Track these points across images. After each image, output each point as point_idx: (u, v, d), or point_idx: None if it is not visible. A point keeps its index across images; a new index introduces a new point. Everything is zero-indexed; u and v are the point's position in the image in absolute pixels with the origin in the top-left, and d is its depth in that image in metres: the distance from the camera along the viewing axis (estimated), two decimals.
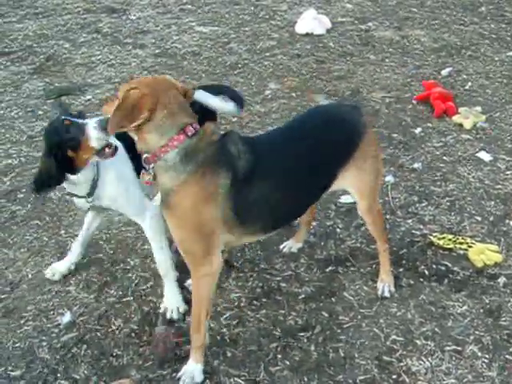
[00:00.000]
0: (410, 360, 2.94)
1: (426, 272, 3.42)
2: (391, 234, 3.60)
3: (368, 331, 3.09)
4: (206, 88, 3.37)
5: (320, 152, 2.87)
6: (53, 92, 5.46)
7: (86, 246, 3.53)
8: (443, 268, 3.44)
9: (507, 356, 2.94)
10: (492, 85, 5.30)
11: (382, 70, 5.61)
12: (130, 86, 2.59)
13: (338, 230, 3.74)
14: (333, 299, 3.28)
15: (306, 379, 2.87)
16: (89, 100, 5.33)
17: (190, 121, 2.62)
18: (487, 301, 3.23)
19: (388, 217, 3.78)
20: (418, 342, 3.02)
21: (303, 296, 3.31)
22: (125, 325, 3.17)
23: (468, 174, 4.18)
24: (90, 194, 3.06)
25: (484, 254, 3.46)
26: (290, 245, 3.59)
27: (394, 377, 2.86)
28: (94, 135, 2.82)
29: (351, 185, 3.07)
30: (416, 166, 4.26)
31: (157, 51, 6.16)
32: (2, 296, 3.39)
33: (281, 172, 2.82)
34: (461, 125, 4.71)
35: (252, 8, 7.08)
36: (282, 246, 3.60)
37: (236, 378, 2.88)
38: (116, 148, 2.91)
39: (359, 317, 3.17)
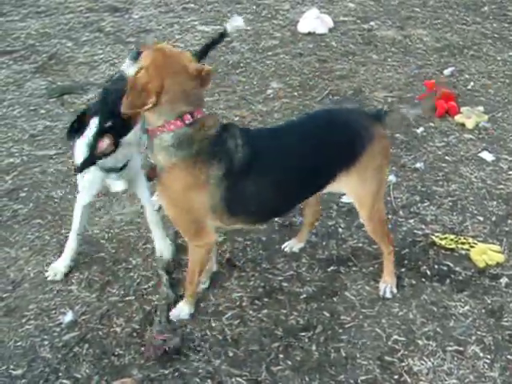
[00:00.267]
0: (411, 360, 2.94)
1: (428, 272, 3.41)
2: (393, 233, 3.59)
3: (370, 331, 3.09)
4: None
5: (319, 153, 2.89)
6: (55, 91, 5.45)
7: (80, 241, 3.53)
8: (445, 268, 3.44)
9: (509, 356, 2.94)
10: (494, 84, 5.29)
11: (384, 70, 5.60)
12: (147, 60, 2.66)
13: (340, 229, 3.74)
14: (334, 299, 3.28)
15: (307, 379, 2.87)
16: (91, 99, 5.32)
17: (190, 109, 2.68)
18: (489, 301, 3.23)
19: (390, 216, 3.77)
20: (419, 342, 3.02)
21: (305, 296, 3.30)
22: (126, 324, 3.17)
23: (470, 173, 4.18)
24: (125, 165, 3.16)
25: (486, 254, 3.46)
26: (292, 244, 3.59)
27: (396, 377, 2.86)
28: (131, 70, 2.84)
29: (352, 192, 3.09)
30: (418, 165, 4.25)
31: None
32: (4, 295, 3.39)
33: (276, 169, 2.86)
34: (463, 124, 4.71)
35: (254, 7, 7.07)
36: (283, 246, 3.60)
37: (237, 378, 2.88)
38: None
39: (361, 317, 3.17)
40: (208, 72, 2.73)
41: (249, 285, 3.38)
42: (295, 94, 5.26)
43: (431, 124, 4.73)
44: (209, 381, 2.88)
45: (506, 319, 3.13)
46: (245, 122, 4.81)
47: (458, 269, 3.43)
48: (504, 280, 3.35)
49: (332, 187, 3.05)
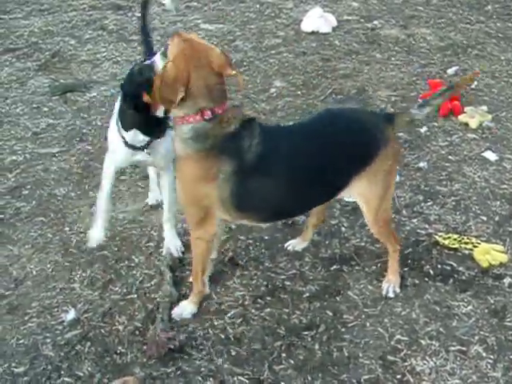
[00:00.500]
0: (414, 360, 2.93)
1: (431, 272, 3.41)
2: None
3: (372, 330, 3.09)
4: None
5: (334, 157, 2.89)
6: (58, 89, 5.45)
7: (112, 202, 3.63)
8: (448, 268, 3.43)
9: None
10: (498, 84, 5.27)
11: (387, 69, 5.59)
12: (175, 51, 2.75)
13: (343, 228, 3.73)
14: (337, 298, 3.27)
15: (309, 378, 2.87)
16: (94, 97, 5.33)
17: (210, 105, 2.73)
18: (492, 301, 3.22)
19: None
20: (422, 341, 3.02)
21: (308, 295, 3.30)
22: (129, 322, 3.17)
23: (474, 173, 4.17)
24: (145, 146, 3.22)
25: (489, 254, 3.45)
26: (295, 244, 3.58)
27: (399, 376, 2.85)
28: (158, 55, 3.00)
29: (359, 195, 3.06)
30: (421, 165, 4.25)
31: (162, 49, 6.13)
32: (7, 292, 3.40)
33: (287, 170, 2.86)
34: (466, 124, 4.69)
35: (257, 6, 7.06)
36: (286, 245, 3.59)
37: (240, 377, 2.88)
38: None
39: (363, 316, 3.17)
40: (232, 75, 2.80)
41: (251, 283, 3.37)
42: (298, 92, 5.25)
43: (435, 123, 4.72)
44: (211, 379, 2.87)
45: (509, 319, 3.12)
46: None
47: (461, 268, 3.42)
48: (507, 280, 3.34)
49: (346, 192, 3.04)
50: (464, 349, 2.98)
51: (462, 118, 4.74)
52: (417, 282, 3.35)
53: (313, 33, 6.30)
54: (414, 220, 3.76)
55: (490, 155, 4.34)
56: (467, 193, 3.99)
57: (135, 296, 3.33)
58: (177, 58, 2.71)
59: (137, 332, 3.11)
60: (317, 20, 6.35)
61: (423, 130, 4.64)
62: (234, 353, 3.00)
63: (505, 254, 3.49)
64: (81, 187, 4.19)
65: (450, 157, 4.35)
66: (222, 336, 3.08)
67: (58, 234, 3.78)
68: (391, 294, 3.25)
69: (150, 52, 3.72)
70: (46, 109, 5.18)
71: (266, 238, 3.67)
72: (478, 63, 5.62)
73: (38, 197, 4.12)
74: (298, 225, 3.75)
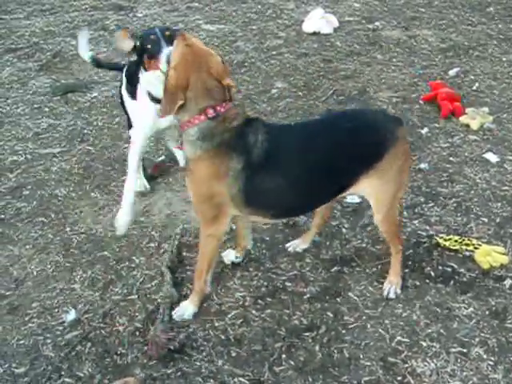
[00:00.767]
0: (415, 361, 2.92)
1: (432, 273, 3.40)
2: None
3: (373, 332, 3.08)
4: None
5: (342, 154, 2.90)
6: (59, 89, 5.46)
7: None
8: (449, 269, 3.42)
9: None
10: (499, 85, 5.27)
11: (389, 70, 5.59)
12: (177, 51, 2.85)
13: (344, 229, 3.73)
14: (338, 299, 3.26)
15: (310, 379, 2.86)
16: (95, 97, 5.33)
17: (212, 104, 2.80)
18: (493, 303, 3.22)
19: None
20: (423, 343, 3.01)
21: (308, 296, 3.29)
22: (129, 323, 3.17)
23: (475, 175, 4.16)
24: None
25: (490, 255, 3.44)
26: (296, 244, 3.58)
27: (399, 378, 2.85)
28: (162, 62, 3.23)
29: (370, 193, 3.05)
30: (422, 166, 4.24)
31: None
32: (7, 293, 3.40)
33: (295, 166, 2.90)
34: (468, 125, 4.69)
35: (259, 6, 7.07)
36: (287, 245, 3.59)
37: (240, 378, 2.87)
38: None
39: (364, 317, 3.16)
40: (228, 86, 2.87)
41: (252, 284, 3.37)
42: (300, 93, 5.25)
43: (436, 125, 4.72)
44: (211, 380, 2.87)
45: (509, 321, 3.12)
46: None
47: (462, 270, 3.41)
48: (508, 282, 3.33)
49: (353, 190, 3.04)
50: (465, 350, 2.97)
51: (463, 119, 4.74)
52: (417, 283, 3.34)
53: (314, 34, 6.31)
54: (415, 221, 3.76)
55: (491, 157, 4.34)
56: (468, 194, 3.98)
57: (136, 297, 3.32)
58: (178, 66, 2.80)
59: (137, 333, 3.11)
60: (318, 21, 6.36)
61: (424, 131, 4.64)
62: (234, 354, 2.99)
63: (506, 255, 3.48)
64: (82, 187, 4.19)
65: (451, 158, 4.34)
66: (223, 337, 3.08)
67: (59, 235, 3.78)
68: (392, 296, 3.25)
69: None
70: (46, 109, 5.18)
71: (267, 238, 3.67)
72: (479, 65, 5.62)
73: (38, 197, 4.12)
74: (298, 226, 3.74)
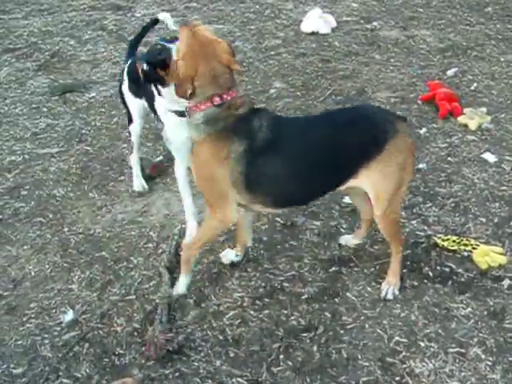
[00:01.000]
0: (413, 362, 2.92)
1: (430, 273, 3.40)
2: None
3: (371, 332, 3.08)
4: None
5: (341, 145, 2.93)
6: (57, 89, 5.46)
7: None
8: (447, 269, 3.42)
9: (511, 359, 2.92)
10: (497, 86, 5.27)
11: (387, 70, 5.59)
12: (184, 41, 2.86)
13: (342, 230, 3.72)
14: (336, 300, 3.26)
15: (308, 380, 2.86)
16: (93, 97, 5.33)
17: (218, 92, 2.86)
18: (491, 303, 3.21)
19: None
20: (421, 343, 3.01)
21: (306, 296, 3.29)
22: (127, 323, 3.16)
23: (473, 175, 4.16)
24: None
25: (488, 255, 3.44)
26: (347, 239, 3.61)
27: (397, 378, 2.85)
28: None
29: (369, 187, 3.04)
30: (421, 166, 4.24)
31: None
32: (5, 293, 3.40)
33: (296, 154, 2.94)
34: (466, 126, 4.69)
35: (257, 6, 7.07)
36: (341, 238, 3.63)
37: (238, 378, 2.87)
38: None
39: (362, 318, 3.16)
40: (237, 70, 2.95)
41: (250, 285, 3.37)
42: (298, 93, 5.25)
43: (434, 125, 4.72)
44: (209, 381, 2.87)
45: (508, 321, 3.11)
46: None
47: (460, 270, 3.41)
48: (506, 282, 3.33)
49: (353, 182, 3.04)
50: (463, 351, 2.97)
51: (461, 119, 4.74)
52: (416, 283, 3.34)
53: (312, 34, 6.31)
54: (413, 221, 3.76)
55: (490, 157, 4.34)
56: (466, 194, 3.98)
57: (134, 297, 3.32)
58: (185, 56, 2.85)
59: (135, 333, 3.11)
60: (316, 21, 6.36)
61: (422, 131, 4.64)
62: (232, 354, 2.99)
63: (504, 255, 3.48)
64: (80, 188, 4.19)
65: (449, 158, 4.34)
66: (221, 337, 3.07)
67: (57, 235, 3.78)
68: (390, 296, 3.24)
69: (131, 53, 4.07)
70: (45, 109, 5.18)
71: (265, 239, 3.66)
72: (477, 65, 5.62)
73: (36, 197, 4.12)
74: (297, 226, 3.74)
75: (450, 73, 5.48)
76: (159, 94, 3.34)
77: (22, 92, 5.45)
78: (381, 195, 3.04)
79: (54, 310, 3.27)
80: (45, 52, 6.16)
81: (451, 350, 2.97)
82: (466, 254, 3.50)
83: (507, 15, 6.62)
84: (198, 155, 2.99)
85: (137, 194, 4.07)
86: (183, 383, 2.87)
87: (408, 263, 3.45)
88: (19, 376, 2.94)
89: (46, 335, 3.13)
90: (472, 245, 3.51)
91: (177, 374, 2.90)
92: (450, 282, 3.34)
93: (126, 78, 3.82)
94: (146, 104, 3.72)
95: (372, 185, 3.03)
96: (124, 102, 3.94)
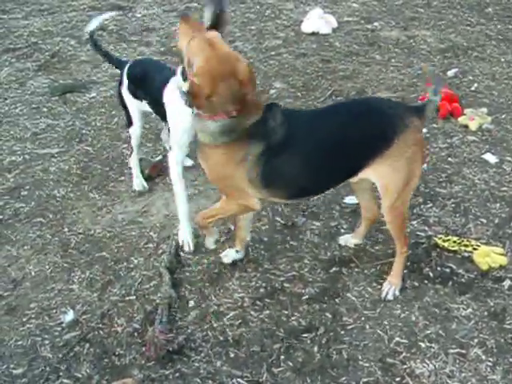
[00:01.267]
0: (413, 362, 2.92)
1: (431, 274, 3.40)
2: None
3: (372, 333, 3.08)
4: None
5: (354, 137, 2.94)
6: (57, 89, 5.45)
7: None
8: (448, 270, 3.42)
9: (511, 359, 2.92)
10: (498, 86, 5.27)
11: (387, 70, 5.59)
12: (199, 56, 2.73)
13: (343, 230, 3.72)
14: (336, 300, 3.26)
15: (308, 380, 2.86)
16: (93, 97, 5.33)
17: (235, 108, 2.78)
18: (492, 304, 3.21)
19: None
20: (421, 344, 3.01)
21: (307, 297, 3.29)
22: (128, 324, 3.16)
23: (473, 175, 4.16)
24: None
25: (489, 256, 3.44)
26: (347, 239, 3.61)
27: (398, 379, 2.84)
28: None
29: (378, 179, 3.05)
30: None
31: (162, 49, 6.15)
32: (5, 293, 3.39)
33: (312, 148, 2.93)
34: (466, 126, 4.69)
35: (258, 7, 7.07)
36: (340, 238, 3.63)
37: (239, 379, 2.87)
38: None
39: (363, 318, 3.16)
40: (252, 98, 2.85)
41: (250, 285, 3.36)
42: (298, 94, 5.25)
43: (434, 125, 4.72)
44: (210, 381, 2.86)
45: (508, 322, 3.11)
46: None
47: (460, 271, 3.41)
48: (507, 283, 3.33)
49: (363, 174, 3.05)
50: (463, 351, 2.97)
51: (461, 119, 4.74)
52: (416, 284, 3.34)
53: (313, 34, 6.31)
54: (414, 222, 3.75)
55: (490, 157, 4.34)
56: (467, 195, 3.98)
57: (134, 297, 3.32)
58: (202, 72, 2.71)
59: (135, 334, 3.11)
60: (317, 21, 6.36)
61: (423, 131, 4.62)
62: (232, 355, 2.99)
63: (504, 256, 3.47)
64: (80, 188, 4.19)
65: (449, 159, 4.34)
66: (221, 338, 3.07)
67: (57, 235, 3.78)
68: (390, 297, 3.24)
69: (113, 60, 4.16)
70: (45, 109, 5.18)
71: (265, 239, 3.66)
72: (477, 65, 5.62)
73: (36, 197, 4.12)
74: (297, 226, 3.74)
75: (450, 73, 5.48)
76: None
77: (22, 92, 5.45)
78: (389, 188, 3.05)
79: (54, 311, 3.27)
80: (45, 52, 6.16)
81: (452, 350, 2.97)
82: (466, 254, 3.49)
83: (508, 16, 6.62)
84: (211, 157, 2.96)
85: (137, 193, 4.07)
86: None
87: (408, 264, 3.44)
88: (19, 376, 2.93)
89: (47, 335, 3.13)
90: (472, 245, 3.51)
91: (177, 374, 2.90)
92: (450, 283, 3.33)
93: (125, 79, 3.79)
94: (147, 106, 3.71)
95: (381, 178, 3.04)
96: (123, 104, 3.91)
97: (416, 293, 3.29)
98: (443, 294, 3.27)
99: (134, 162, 4.08)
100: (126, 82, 3.79)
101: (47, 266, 3.55)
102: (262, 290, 3.34)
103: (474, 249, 3.49)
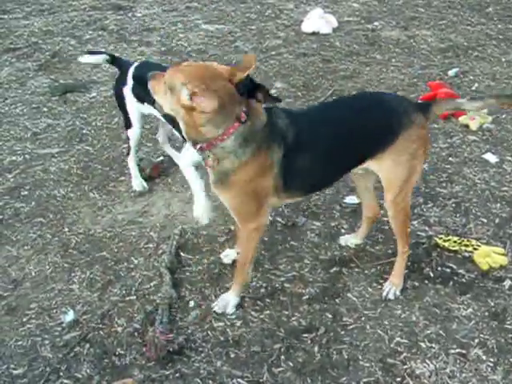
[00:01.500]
0: (414, 363, 2.92)
1: (431, 274, 3.39)
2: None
3: (372, 333, 3.08)
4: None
5: (361, 131, 2.95)
6: (58, 89, 5.45)
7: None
8: (448, 270, 3.42)
9: None
10: (498, 86, 5.27)
11: (388, 70, 5.59)
12: (178, 76, 2.66)
13: (343, 230, 3.72)
14: (337, 300, 3.26)
15: (309, 381, 2.85)
16: (94, 97, 5.32)
17: (241, 108, 2.73)
18: (492, 304, 3.21)
19: None
20: (422, 344, 3.00)
21: (307, 297, 3.29)
22: (128, 324, 3.16)
23: (474, 175, 4.16)
24: None
25: (489, 256, 3.44)
26: (348, 238, 3.61)
27: (398, 379, 2.84)
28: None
29: (382, 172, 3.09)
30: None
31: (162, 49, 6.15)
32: (5, 294, 3.39)
33: (324, 143, 2.94)
34: (467, 126, 4.69)
35: (258, 6, 7.07)
36: (340, 238, 3.63)
37: (239, 379, 2.87)
38: None
39: (363, 318, 3.16)
40: (241, 80, 2.76)
41: (251, 285, 3.36)
42: (299, 93, 5.25)
43: (435, 125, 4.72)
44: (210, 382, 2.86)
45: (509, 322, 3.11)
46: None
47: (461, 271, 3.41)
48: (507, 283, 3.32)
49: (367, 164, 3.07)
50: (464, 352, 2.96)
51: (462, 119, 4.74)
52: (416, 284, 3.34)
53: (313, 34, 6.31)
54: (414, 222, 3.75)
55: (491, 157, 4.34)
56: (467, 195, 3.98)
57: (134, 298, 3.31)
58: (190, 78, 2.64)
59: (136, 334, 3.10)
60: (317, 21, 6.37)
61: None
62: (233, 355, 2.98)
63: (505, 256, 3.47)
64: (80, 188, 4.19)
65: (450, 159, 4.34)
66: (222, 338, 3.07)
67: (57, 235, 3.77)
68: (391, 297, 3.24)
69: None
70: (45, 109, 5.18)
71: (266, 239, 3.65)
72: (478, 65, 5.61)
73: (37, 197, 4.11)
74: (297, 226, 3.74)
75: (450, 73, 5.48)
76: None
77: (23, 92, 5.45)
78: (392, 181, 3.08)
79: (54, 311, 3.27)
80: (45, 52, 6.16)
81: (452, 350, 2.97)
82: (467, 254, 3.49)
83: (508, 15, 6.62)
84: (237, 180, 2.83)
85: (137, 193, 4.07)
86: None
87: (409, 264, 3.44)
88: (19, 376, 2.93)
89: (47, 336, 3.13)
90: (473, 245, 3.51)
91: (177, 374, 2.89)
92: (451, 283, 3.33)
93: (130, 81, 3.73)
94: (151, 109, 3.66)
95: (384, 171, 3.07)
96: (122, 106, 3.86)
97: (416, 293, 3.28)
98: (444, 294, 3.27)
99: (132, 162, 4.07)
100: (130, 83, 3.74)
101: (47, 266, 3.54)
102: (262, 290, 3.33)
103: (475, 249, 3.49)
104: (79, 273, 3.49)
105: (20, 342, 3.10)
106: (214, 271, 3.45)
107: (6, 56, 6.10)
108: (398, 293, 3.25)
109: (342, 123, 2.97)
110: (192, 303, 3.26)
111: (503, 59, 5.71)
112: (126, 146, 4.49)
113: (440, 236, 3.61)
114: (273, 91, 5.28)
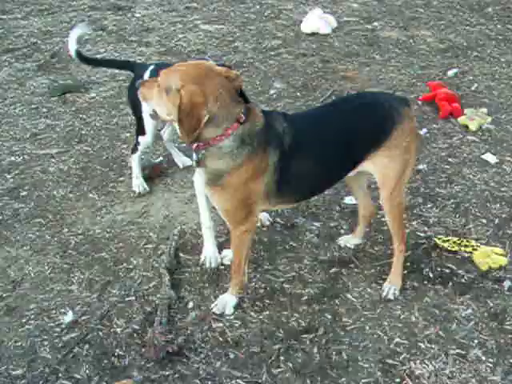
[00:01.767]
0: (413, 363, 2.91)
1: (431, 274, 3.39)
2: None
3: (371, 334, 3.07)
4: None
5: (351, 133, 2.97)
6: (57, 89, 5.44)
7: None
8: (448, 271, 3.42)
9: (511, 360, 2.92)
10: (498, 86, 5.27)
11: (387, 70, 5.59)
12: (174, 76, 2.67)
13: (342, 231, 3.72)
14: (336, 301, 3.25)
15: (308, 381, 2.85)
16: (93, 98, 5.32)
17: (240, 108, 2.74)
18: (492, 304, 3.21)
19: None
20: (421, 345, 3.00)
21: (306, 297, 3.28)
22: (127, 325, 3.15)
23: (473, 175, 4.16)
24: None
25: (489, 257, 3.44)
26: (347, 239, 3.61)
27: (398, 380, 2.84)
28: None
29: (376, 170, 3.10)
30: (421, 167, 4.23)
31: (162, 49, 6.14)
32: (4, 294, 3.38)
33: (318, 149, 2.95)
34: (466, 126, 4.69)
35: (257, 7, 7.06)
36: (339, 239, 3.62)
37: (238, 380, 2.86)
38: None
39: (363, 319, 3.15)
40: (235, 76, 2.78)
41: (250, 286, 3.35)
42: (298, 94, 5.24)
43: (434, 125, 4.72)
44: (209, 382, 2.86)
45: (508, 323, 3.11)
46: None
47: (460, 271, 3.41)
48: (507, 283, 3.32)
49: (362, 167, 3.09)
50: (463, 352, 2.96)
51: (461, 120, 4.74)
52: (416, 284, 3.33)
53: (313, 34, 6.31)
54: (414, 222, 3.75)
55: (490, 157, 4.34)
56: (467, 195, 3.98)
57: (133, 298, 3.31)
58: (186, 78, 2.66)
59: (135, 335, 3.10)
60: (317, 21, 6.36)
61: (423, 131, 4.63)
62: (232, 356, 2.98)
63: (504, 256, 3.47)
64: (79, 188, 4.18)
65: (449, 159, 4.34)
66: (221, 339, 3.06)
67: (57, 236, 3.77)
68: (390, 297, 3.24)
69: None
70: (44, 109, 5.17)
71: (265, 240, 3.65)
72: (477, 65, 5.61)
73: (36, 198, 4.10)
74: (297, 226, 3.73)
75: (450, 73, 5.48)
76: None
77: (22, 92, 5.44)
78: (387, 178, 3.09)
79: (53, 311, 3.26)
80: (44, 52, 6.15)
81: (452, 351, 2.97)
82: (466, 255, 3.49)
83: (507, 16, 6.63)
84: (231, 182, 2.83)
85: (136, 194, 4.06)
86: None
87: (408, 264, 3.44)
88: (19, 377, 2.92)
89: (46, 336, 3.12)
90: (473, 246, 3.51)
91: (176, 375, 2.89)
92: (450, 283, 3.33)
93: None
94: None
95: (379, 168, 3.08)
96: (137, 112, 3.78)
97: (416, 293, 3.28)
98: (443, 295, 3.27)
99: (135, 162, 4.06)
100: None
101: (46, 267, 3.54)
102: (261, 291, 3.33)
103: (474, 249, 3.49)
104: (78, 273, 3.49)
105: (19, 343, 3.09)
106: (214, 272, 3.44)
107: (5, 56, 6.09)
108: (397, 293, 3.25)
109: (336, 128, 2.98)
110: (191, 304, 3.26)
111: (502, 59, 5.71)
112: (125, 146, 4.51)
113: (439, 236, 3.61)
114: (272, 91, 5.29)
